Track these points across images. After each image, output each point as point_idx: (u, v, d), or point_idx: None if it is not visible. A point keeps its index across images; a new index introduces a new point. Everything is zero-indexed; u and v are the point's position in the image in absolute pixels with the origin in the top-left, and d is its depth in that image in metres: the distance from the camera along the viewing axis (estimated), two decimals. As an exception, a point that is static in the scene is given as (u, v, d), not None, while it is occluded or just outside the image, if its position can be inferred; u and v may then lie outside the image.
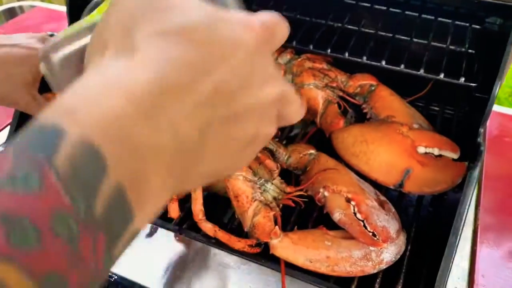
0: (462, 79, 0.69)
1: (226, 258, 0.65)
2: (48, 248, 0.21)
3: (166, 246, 0.66)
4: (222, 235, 0.66)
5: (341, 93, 0.87)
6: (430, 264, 0.64)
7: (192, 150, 0.27)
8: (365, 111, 0.86)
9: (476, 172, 0.61)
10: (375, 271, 0.62)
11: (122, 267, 0.64)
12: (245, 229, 0.66)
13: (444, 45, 0.75)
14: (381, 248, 0.62)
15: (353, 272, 0.61)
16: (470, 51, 0.75)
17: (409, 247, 0.67)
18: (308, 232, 0.65)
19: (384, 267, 0.62)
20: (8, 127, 0.83)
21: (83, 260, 0.22)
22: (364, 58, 0.75)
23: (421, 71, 0.72)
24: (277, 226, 0.63)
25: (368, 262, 0.61)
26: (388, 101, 0.84)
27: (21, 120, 0.80)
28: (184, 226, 0.70)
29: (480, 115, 0.65)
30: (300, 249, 0.62)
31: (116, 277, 0.63)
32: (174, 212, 0.69)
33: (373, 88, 0.85)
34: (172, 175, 0.26)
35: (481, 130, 0.65)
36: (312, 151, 0.75)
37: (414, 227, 0.70)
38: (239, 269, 0.64)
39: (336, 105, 0.84)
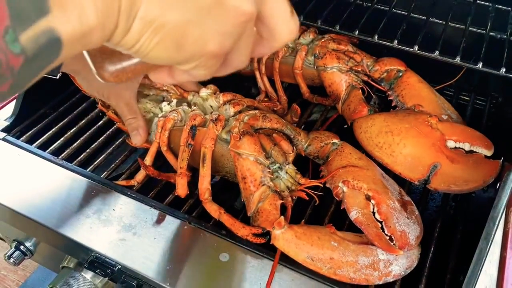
0: (503, 70, 0.63)
1: (237, 251, 0.61)
2: None
3: (173, 236, 0.63)
4: (227, 219, 0.62)
5: (365, 78, 0.81)
6: (454, 269, 0.60)
7: None
8: (390, 98, 0.81)
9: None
10: (380, 282, 0.57)
11: (126, 257, 0.60)
12: (249, 214, 0.62)
13: (484, 31, 0.68)
14: (396, 255, 0.57)
15: (355, 280, 0.56)
16: (512, 38, 0.69)
17: (431, 249, 0.62)
18: (315, 228, 0.60)
19: (391, 280, 0.58)
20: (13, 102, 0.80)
21: None
22: (395, 42, 0.69)
23: (457, 59, 0.66)
24: (282, 216, 0.59)
25: (375, 271, 0.57)
26: (416, 89, 0.78)
27: (26, 94, 0.77)
28: (193, 214, 0.66)
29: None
30: (303, 244, 0.57)
31: (120, 266, 0.60)
32: (182, 188, 0.65)
33: (400, 74, 0.80)
34: None
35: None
36: (336, 141, 0.70)
37: (438, 227, 0.65)
38: (249, 264, 0.60)
39: (360, 90, 0.79)
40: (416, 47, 0.69)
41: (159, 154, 0.71)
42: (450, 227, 0.67)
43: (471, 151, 0.68)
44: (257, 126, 0.66)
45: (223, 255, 0.61)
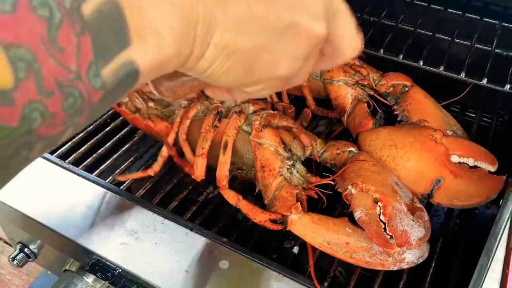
0: (508, 86, 0.63)
1: (236, 259, 0.62)
2: (21, 17, 0.20)
3: (174, 242, 0.63)
4: (245, 204, 0.63)
5: (371, 92, 0.82)
6: (456, 285, 0.60)
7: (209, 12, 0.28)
8: (396, 113, 0.81)
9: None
10: (396, 268, 0.57)
11: (127, 261, 0.61)
12: (265, 202, 0.63)
13: (490, 48, 0.69)
14: (393, 252, 0.57)
15: (371, 264, 0.57)
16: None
17: (433, 264, 0.62)
18: (330, 217, 0.61)
19: (405, 267, 0.58)
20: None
21: (61, 51, 0.22)
22: (401, 57, 0.70)
23: (462, 75, 0.66)
24: (298, 202, 0.60)
25: (389, 257, 0.57)
26: (421, 104, 0.79)
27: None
28: (195, 221, 0.67)
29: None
30: (319, 229, 0.58)
31: (120, 270, 0.60)
32: (201, 169, 0.66)
33: (406, 89, 0.80)
34: (177, 16, 0.27)
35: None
36: (352, 149, 0.70)
37: (440, 242, 0.65)
38: (248, 272, 0.60)
39: (365, 104, 0.79)
40: (421, 62, 0.69)
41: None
42: (453, 243, 0.67)
43: (475, 167, 0.68)
44: (274, 124, 0.69)
45: (223, 262, 0.61)
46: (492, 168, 0.66)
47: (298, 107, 0.87)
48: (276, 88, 0.36)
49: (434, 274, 0.62)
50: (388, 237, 0.58)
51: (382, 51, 0.71)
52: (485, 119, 0.85)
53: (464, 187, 0.66)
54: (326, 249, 0.58)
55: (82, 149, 0.78)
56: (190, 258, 0.61)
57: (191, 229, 0.65)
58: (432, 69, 0.69)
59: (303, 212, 0.59)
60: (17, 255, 0.78)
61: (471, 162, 0.68)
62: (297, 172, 0.67)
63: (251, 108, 0.71)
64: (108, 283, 0.63)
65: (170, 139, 0.71)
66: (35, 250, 0.78)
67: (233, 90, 0.38)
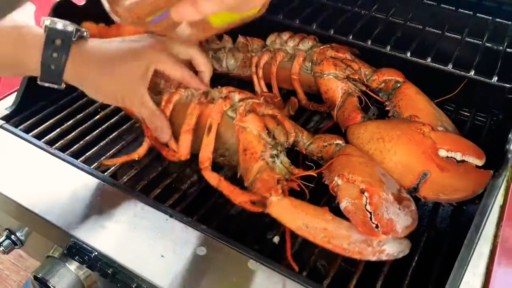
0: (495, 78, 0.62)
1: (214, 246, 0.61)
2: None
3: (153, 227, 0.63)
4: (226, 185, 0.62)
5: (363, 88, 0.81)
6: (437, 280, 0.58)
7: None
8: (387, 109, 0.80)
9: (499, 181, 0.54)
10: (375, 258, 0.56)
11: (104, 244, 0.60)
12: (246, 184, 0.62)
13: (480, 42, 0.68)
14: (379, 240, 0.56)
15: (349, 251, 0.55)
16: (508, 50, 0.68)
17: (415, 259, 0.60)
18: (311, 204, 0.60)
19: (384, 259, 0.56)
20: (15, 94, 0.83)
21: None
22: (388, 48, 0.69)
23: (449, 66, 0.65)
24: (279, 185, 0.59)
25: (368, 247, 0.56)
26: (413, 100, 0.77)
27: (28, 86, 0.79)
28: (177, 208, 0.66)
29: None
30: (298, 213, 0.57)
31: (96, 253, 0.60)
32: (186, 146, 0.66)
33: (398, 85, 0.79)
34: None
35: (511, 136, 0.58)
36: (340, 142, 0.69)
37: (425, 237, 0.64)
38: (226, 259, 0.60)
39: (356, 98, 0.78)
40: (408, 53, 0.68)
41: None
42: (438, 239, 0.66)
43: (463, 161, 0.66)
44: (259, 112, 0.68)
45: (200, 248, 0.60)
46: (480, 162, 0.65)
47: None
48: None
49: (416, 269, 0.60)
50: (374, 225, 0.57)
51: (369, 42, 0.70)
52: (480, 118, 0.84)
53: (451, 180, 0.64)
54: (304, 232, 0.56)
55: (70, 136, 0.78)
56: (168, 244, 0.61)
57: (171, 216, 0.64)
58: (419, 60, 0.68)
59: (283, 195, 0.59)
60: (3, 241, 0.78)
61: (458, 156, 0.66)
62: (281, 163, 0.66)
63: (237, 97, 0.71)
64: (86, 267, 0.62)
65: None
66: (22, 237, 0.78)
67: (197, 1, 0.35)
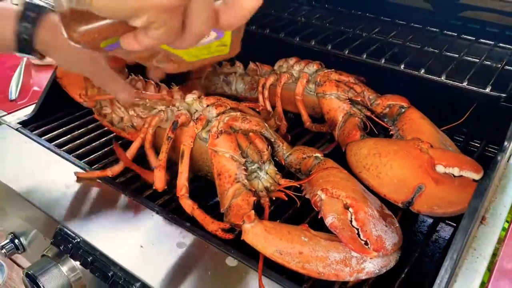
0: (489, 88, 0.61)
1: (197, 243, 0.60)
2: None
3: (138, 221, 0.63)
4: (199, 214, 0.62)
5: (368, 113, 0.81)
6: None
7: None
8: (391, 133, 0.79)
9: (487, 184, 0.52)
10: (352, 279, 0.53)
11: (89, 233, 0.61)
12: (221, 210, 0.61)
13: (477, 60, 0.68)
14: (371, 258, 0.53)
15: (324, 274, 0.53)
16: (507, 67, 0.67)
17: (405, 271, 0.57)
18: (287, 225, 0.57)
19: (364, 278, 0.53)
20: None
21: None
22: (382, 61, 0.70)
23: (442, 77, 0.65)
24: (252, 211, 0.57)
25: (346, 267, 0.53)
26: (417, 124, 0.77)
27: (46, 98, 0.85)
28: (166, 208, 0.67)
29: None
30: (272, 239, 0.55)
31: (79, 239, 0.60)
32: (160, 181, 0.66)
33: (403, 110, 0.79)
34: None
35: (506, 144, 0.56)
36: (318, 155, 0.69)
37: (418, 252, 0.60)
38: (205, 254, 0.58)
39: (357, 118, 0.78)
40: (382, 61, 0.70)
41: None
42: (432, 252, 0.62)
43: (460, 176, 0.64)
44: (236, 127, 0.67)
45: (181, 243, 0.60)
46: (477, 176, 0.62)
47: (294, 124, 0.87)
48: (167, 24, 0.35)
49: (405, 279, 0.57)
50: (363, 242, 0.55)
51: (365, 55, 0.72)
52: (491, 149, 0.81)
53: (445, 194, 0.62)
54: (278, 259, 0.54)
55: (78, 142, 0.82)
56: (149, 237, 0.61)
57: (157, 212, 0.64)
58: (393, 67, 0.69)
59: (256, 220, 0.57)
60: (6, 244, 0.80)
61: (456, 171, 0.64)
62: (266, 173, 0.66)
63: (214, 112, 0.69)
64: (69, 255, 0.62)
65: (134, 146, 0.71)
66: (25, 243, 0.80)
67: (137, 35, 0.37)
